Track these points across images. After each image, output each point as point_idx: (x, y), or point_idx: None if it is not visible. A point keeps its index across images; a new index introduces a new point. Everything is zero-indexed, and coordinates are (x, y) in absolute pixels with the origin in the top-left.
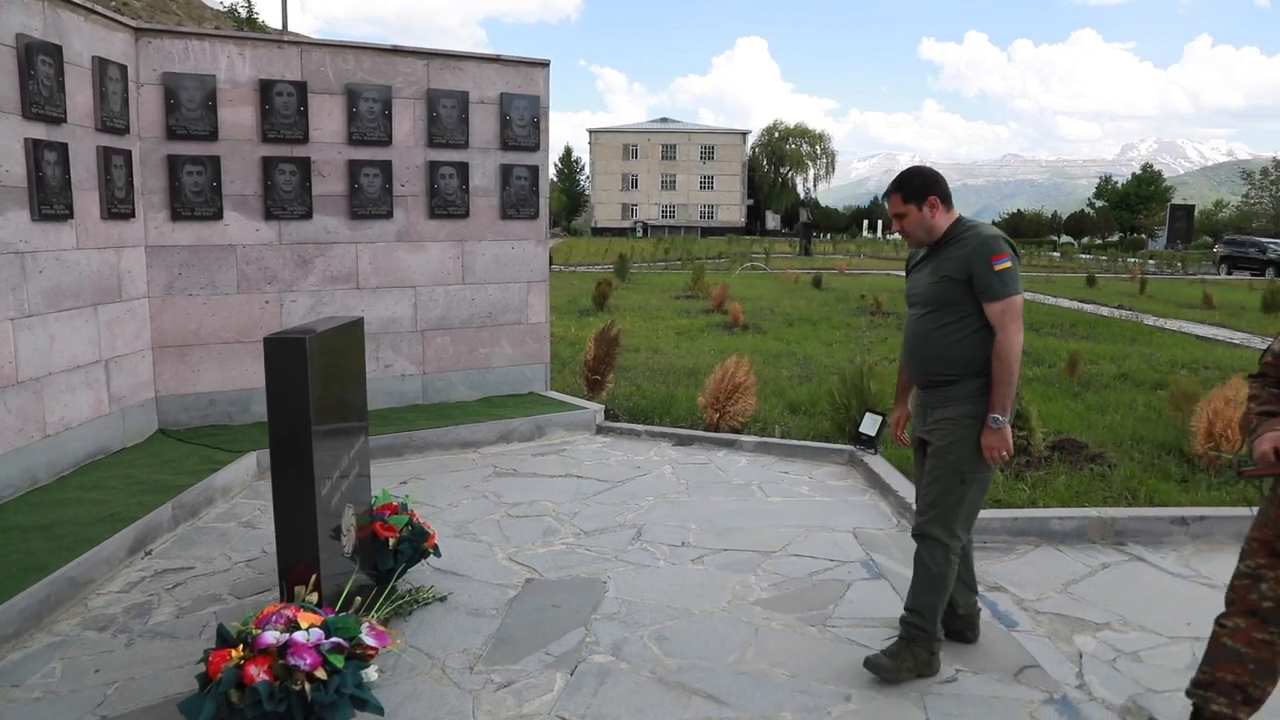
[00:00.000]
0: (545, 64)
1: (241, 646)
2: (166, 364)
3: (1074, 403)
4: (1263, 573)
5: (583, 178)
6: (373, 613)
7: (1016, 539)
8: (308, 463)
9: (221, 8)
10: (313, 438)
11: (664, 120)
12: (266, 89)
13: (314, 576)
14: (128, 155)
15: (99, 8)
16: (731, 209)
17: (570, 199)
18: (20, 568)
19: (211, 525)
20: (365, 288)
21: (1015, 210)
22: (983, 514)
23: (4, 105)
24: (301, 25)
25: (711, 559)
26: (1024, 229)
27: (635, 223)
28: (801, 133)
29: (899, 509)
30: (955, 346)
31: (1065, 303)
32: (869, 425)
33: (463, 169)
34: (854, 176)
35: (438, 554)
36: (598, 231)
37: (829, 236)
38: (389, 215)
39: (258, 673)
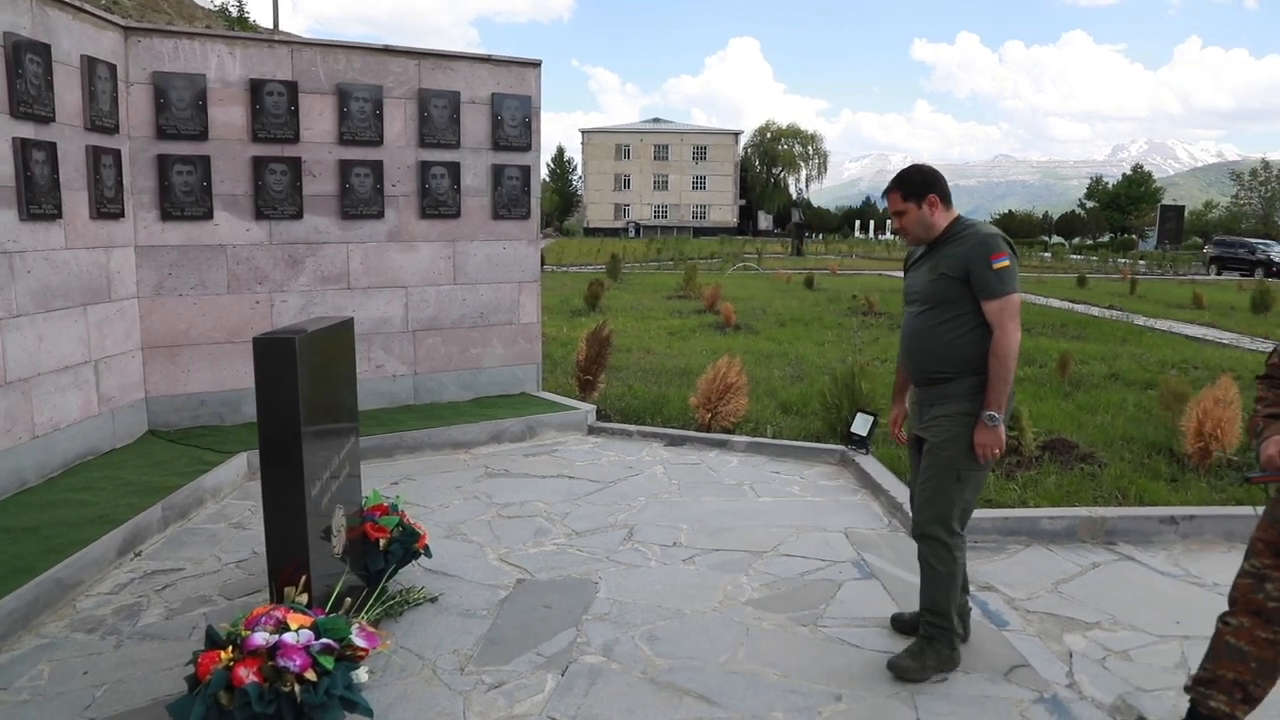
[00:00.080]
0: (537, 64)
1: (231, 648)
2: (156, 364)
3: (1065, 403)
4: (1267, 573)
5: (575, 178)
6: (363, 614)
7: (1007, 538)
8: (297, 463)
9: (213, 7)
10: (302, 438)
11: (656, 120)
12: (257, 88)
13: (304, 577)
14: (117, 155)
15: (88, 6)
16: (724, 209)
17: (562, 199)
18: (8, 569)
19: (201, 526)
20: (356, 288)
21: (1007, 211)
22: (974, 514)
23: None
24: (293, 25)
25: (703, 559)
26: (1015, 229)
27: (627, 223)
28: (794, 133)
29: (890, 509)
30: (953, 344)
31: (1056, 303)
32: (860, 425)
33: (454, 169)
34: (846, 177)
35: (428, 555)
36: (590, 232)
37: (821, 237)
38: (380, 215)
39: (247, 674)
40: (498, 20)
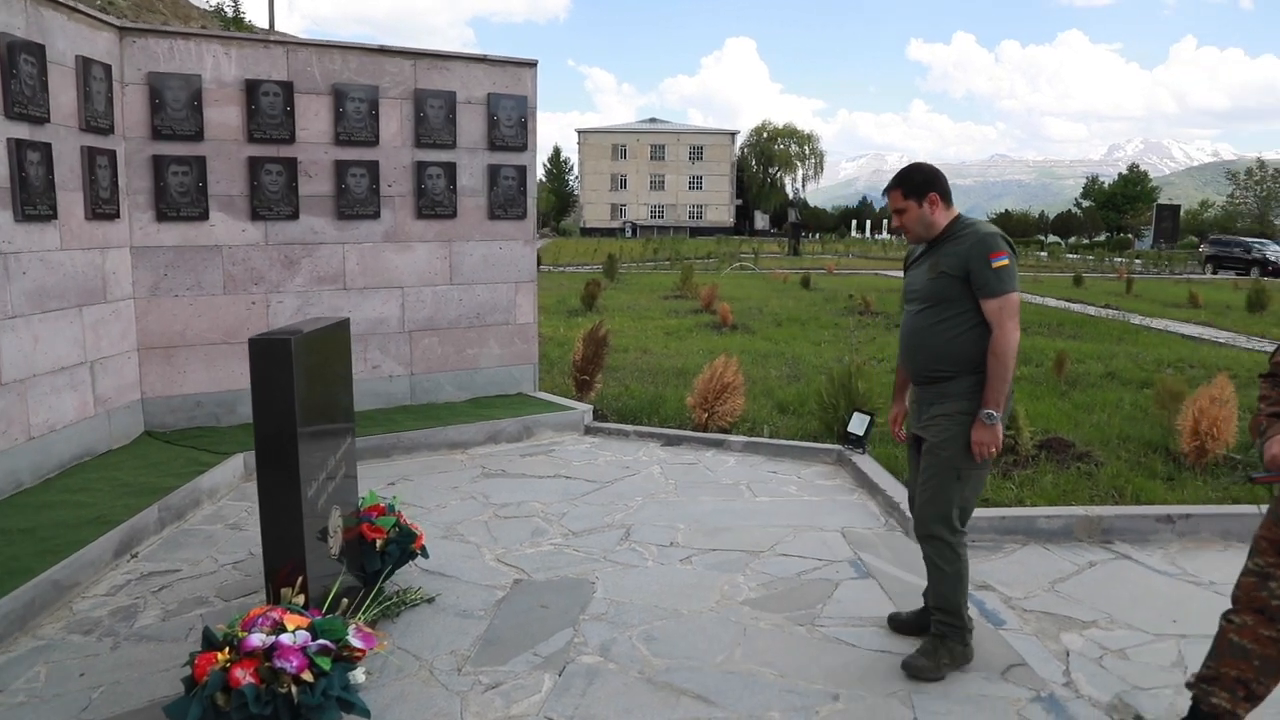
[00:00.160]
0: (533, 64)
1: (227, 649)
2: (152, 365)
3: (1061, 402)
4: (1271, 571)
5: (571, 178)
6: (360, 614)
7: (1004, 538)
8: (293, 464)
9: (208, 7)
10: (298, 439)
11: (653, 120)
12: (252, 89)
13: (300, 578)
14: (112, 155)
15: (82, 6)
16: (720, 209)
17: (559, 199)
18: (4, 571)
19: (198, 527)
20: (352, 288)
21: (1003, 210)
22: (971, 513)
23: None
24: (289, 25)
25: (700, 559)
26: (1012, 229)
27: (624, 223)
28: (790, 133)
29: (887, 508)
30: (952, 343)
31: (1052, 302)
32: (857, 425)
33: (450, 169)
34: (842, 177)
35: (425, 555)
36: (586, 232)
37: (817, 236)
38: (376, 215)
39: (244, 675)
40: (493, 20)
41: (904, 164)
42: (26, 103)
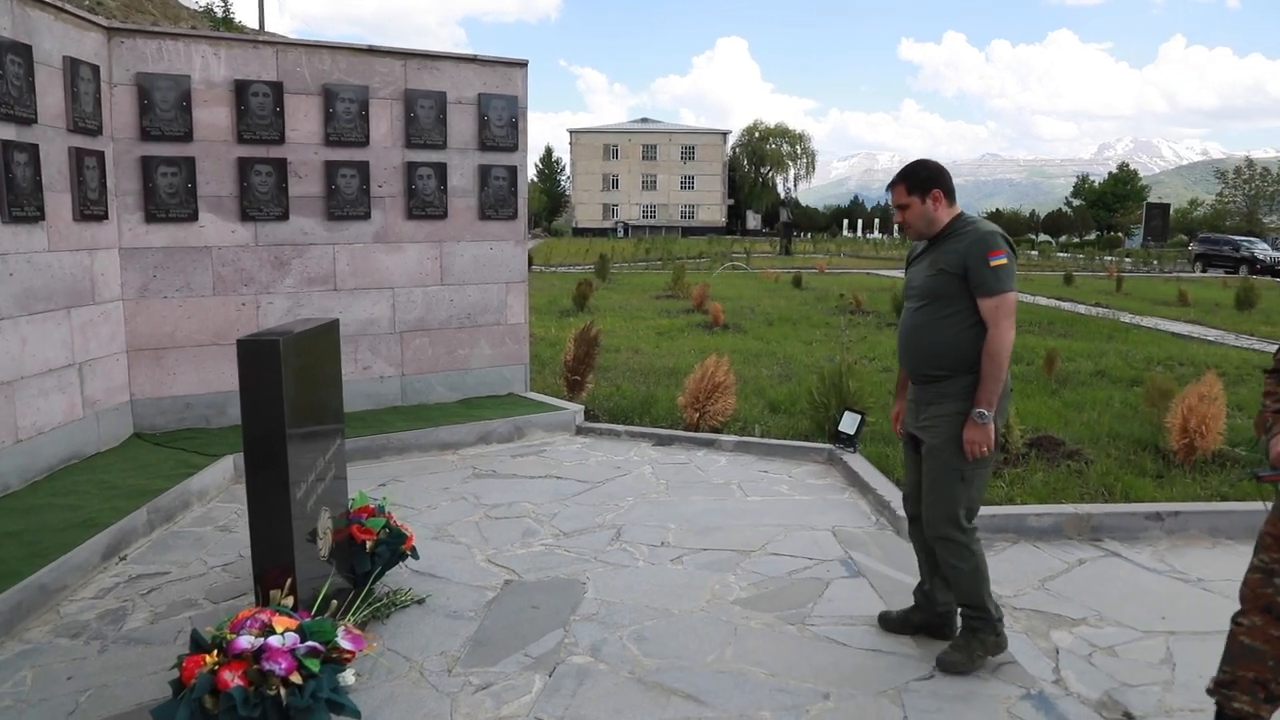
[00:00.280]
0: (523, 64)
1: (216, 652)
2: (142, 367)
3: (1051, 400)
4: (1275, 568)
5: (563, 178)
6: (349, 616)
7: (994, 536)
8: (282, 466)
9: (198, 7)
10: (287, 440)
11: (644, 120)
12: (242, 89)
13: (289, 580)
14: (100, 156)
15: (69, 7)
16: (712, 209)
17: (551, 199)
18: None
19: (187, 530)
20: (343, 289)
21: (995, 209)
22: None
23: None
24: (279, 25)
25: (691, 559)
26: (1003, 228)
27: (616, 223)
28: (782, 133)
29: (878, 507)
30: (948, 341)
31: (1043, 301)
32: (848, 424)
33: (440, 169)
34: (834, 176)
35: (416, 556)
36: (578, 232)
37: (809, 236)
38: (366, 216)
39: (232, 678)
40: (485, 20)
41: (896, 163)
42: (13, 103)
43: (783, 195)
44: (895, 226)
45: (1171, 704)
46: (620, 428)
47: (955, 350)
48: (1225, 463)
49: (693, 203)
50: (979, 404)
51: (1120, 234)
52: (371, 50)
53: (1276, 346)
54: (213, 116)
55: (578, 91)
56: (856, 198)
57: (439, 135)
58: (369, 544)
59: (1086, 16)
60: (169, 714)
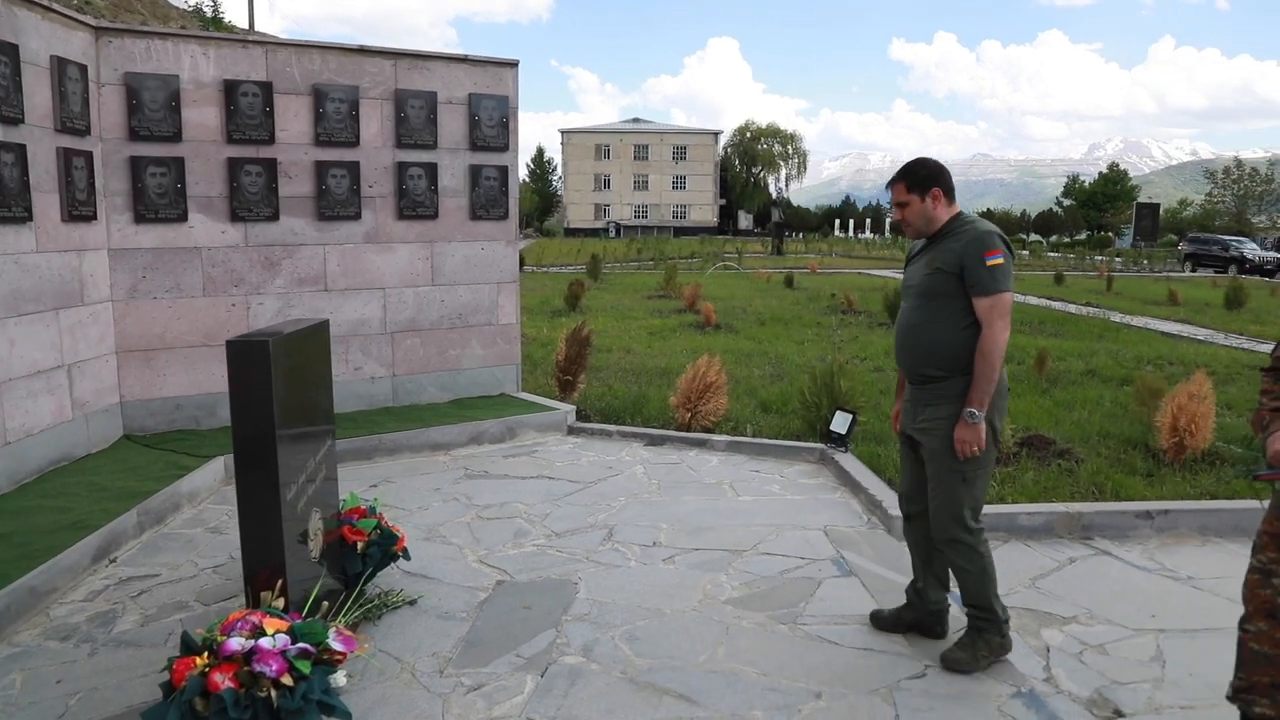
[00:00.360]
0: (514, 64)
1: (206, 654)
2: (131, 368)
3: (1042, 399)
4: (1273, 568)
5: (555, 178)
6: (340, 617)
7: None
8: (273, 467)
9: (187, 7)
10: (277, 442)
11: (636, 120)
12: (231, 89)
13: (280, 582)
14: (89, 156)
15: (57, 6)
16: (704, 209)
17: (543, 199)
18: None
19: (178, 531)
20: (334, 290)
21: (986, 209)
22: None
23: None
24: (269, 25)
25: (683, 558)
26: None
27: (608, 223)
28: (773, 133)
29: (869, 506)
30: (945, 341)
31: (1034, 300)
32: (839, 423)
33: (431, 170)
34: (825, 176)
35: (407, 557)
36: (570, 232)
37: (801, 236)
38: (357, 216)
39: (223, 680)
40: (476, 20)
41: (887, 163)
42: (0, 103)
43: (774, 195)
44: (887, 226)
45: (1161, 701)
46: (612, 428)
47: (951, 350)
48: (1215, 461)
49: (684, 203)
50: (970, 403)
51: (1110, 234)
52: (362, 50)
53: (1274, 345)
54: (202, 116)
55: (569, 91)
56: (848, 198)
57: (430, 135)
58: (360, 545)
59: (1076, 17)
60: (159, 716)
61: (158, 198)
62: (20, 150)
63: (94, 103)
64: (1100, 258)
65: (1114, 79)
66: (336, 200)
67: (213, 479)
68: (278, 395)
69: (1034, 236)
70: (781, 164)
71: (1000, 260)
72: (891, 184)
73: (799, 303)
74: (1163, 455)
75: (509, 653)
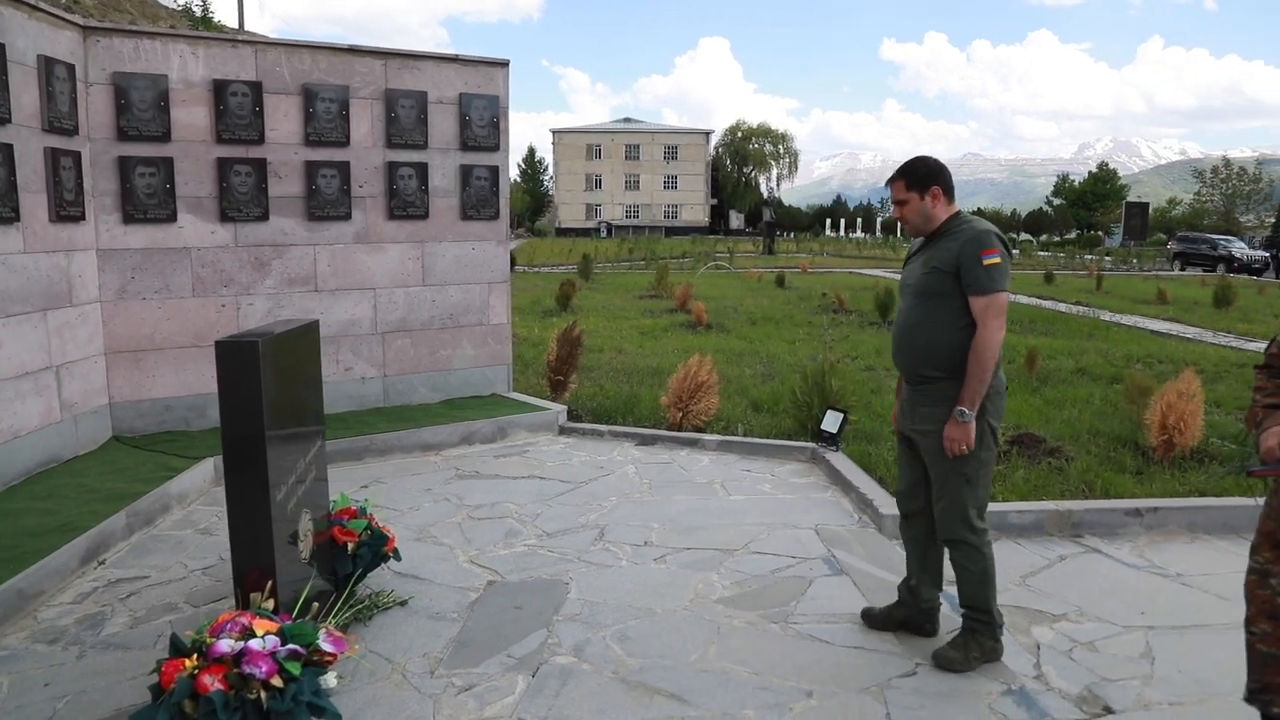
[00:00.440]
0: (504, 64)
1: (196, 656)
2: (120, 369)
3: (1032, 397)
4: (1270, 568)
5: (546, 178)
6: (331, 618)
7: None
8: (262, 468)
9: (176, 7)
10: (267, 442)
11: (627, 120)
12: (221, 89)
13: (270, 583)
14: (77, 156)
15: (44, 5)
16: (695, 208)
17: (534, 199)
18: None
19: (167, 533)
20: (324, 290)
21: (977, 209)
22: None
23: None
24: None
25: (674, 558)
26: None
27: (599, 223)
28: (764, 132)
29: (860, 505)
30: (942, 340)
31: (1024, 299)
32: (831, 422)
33: (422, 170)
34: (816, 176)
35: (398, 558)
36: (562, 232)
37: (792, 235)
38: (347, 217)
39: (212, 682)
40: (467, 20)
41: (878, 163)
42: None
43: (765, 195)
44: (878, 225)
45: (1150, 698)
46: (603, 428)
47: (948, 350)
48: (1203, 459)
49: (676, 202)
50: (961, 402)
51: (1100, 233)
52: (352, 50)
53: (1268, 342)
54: (191, 116)
55: (560, 91)
56: (839, 197)
57: (420, 135)
58: (350, 546)
59: (1066, 17)
60: (148, 719)
61: (146, 198)
62: (7, 150)
63: (82, 102)
64: (1090, 257)
65: (1103, 79)
66: (327, 200)
67: (202, 480)
68: (267, 396)
69: (1024, 236)
70: (773, 163)
71: (997, 260)
72: (891, 181)
73: (790, 302)
74: (1152, 453)
75: (500, 653)
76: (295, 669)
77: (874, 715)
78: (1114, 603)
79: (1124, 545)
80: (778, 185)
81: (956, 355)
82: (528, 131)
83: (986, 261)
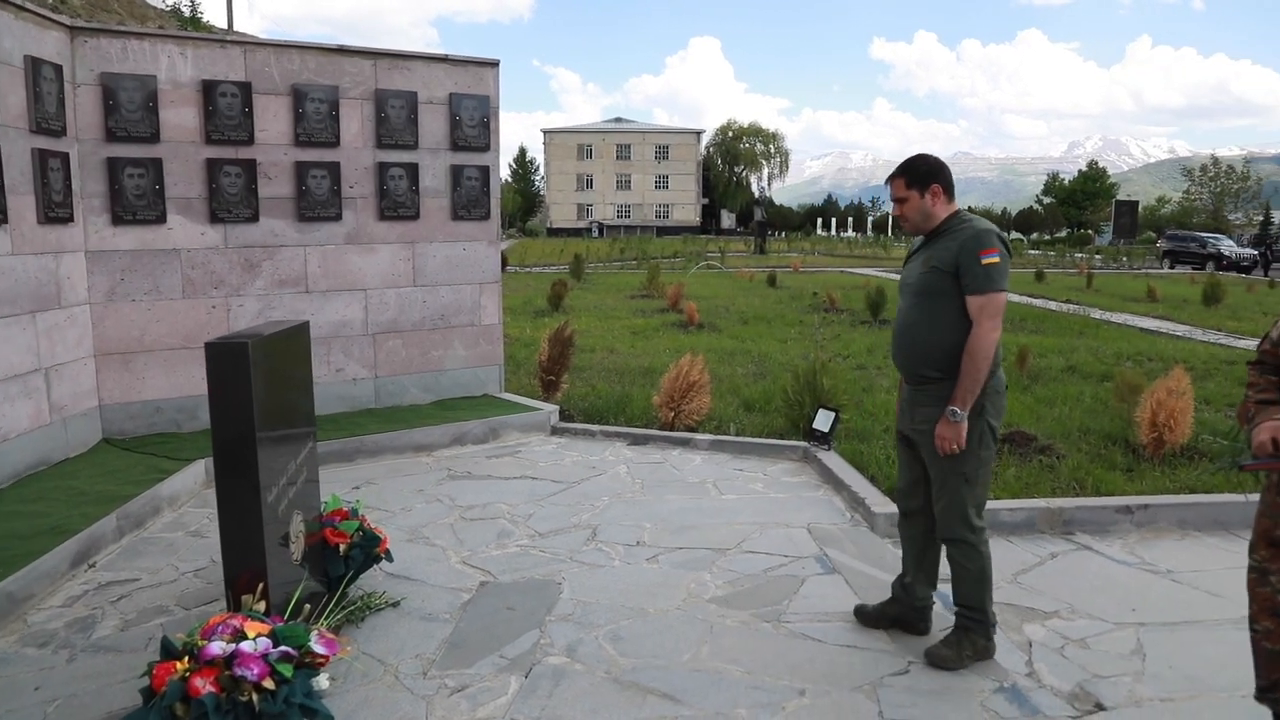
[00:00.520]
0: (495, 64)
1: (187, 658)
2: (110, 371)
3: (1024, 395)
4: (1267, 565)
5: (537, 178)
6: (323, 620)
7: None
8: (253, 470)
9: (165, 7)
10: (258, 444)
11: (618, 120)
12: (209, 89)
13: (261, 585)
14: (65, 158)
15: (30, 5)
16: (686, 208)
17: (525, 200)
18: None
19: (158, 535)
20: (315, 291)
21: (967, 208)
22: None
23: None
24: (248, 25)
25: (666, 558)
26: None
27: (591, 223)
28: (755, 132)
29: (852, 504)
30: (940, 340)
31: (1015, 297)
32: (822, 421)
33: (412, 170)
34: (807, 175)
35: (390, 559)
36: (553, 232)
37: (783, 235)
38: (338, 217)
39: (203, 684)
40: (457, 20)
41: (869, 162)
42: None
43: (757, 194)
44: (869, 224)
45: (1142, 694)
46: (595, 428)
47: (947, 350)
48: (1193, 456)
49: (667, 202)
50: (953, 401)
51: (1090, 231)
52: (341, 50)
53: (1260, 339)
54: (180, 117)
55: (551, 91)
56: (830, 196)
57: (410, 135)
58: (342, 547)
59: (1055, 16)
60: None
61: (136, 199)
62: None
63: (70, 103)
64: (1080, 255)
65: (1092, 77)
66: (317, 201)
67: (193, 482)
68: (258, 397)
69: (1015, 234)
70: (764, 163)
71: (996, 259)
72: (891, 179)
73: (782, 301)
74: (1142, 450)
75: (493, 654)
76: (287, 671)
77: (867, 713)
78: (1105, 600)
79: (1115, 542)
80: (769, 185)
81: (955, 355)
82: (519, 131)
83: (985, 261)
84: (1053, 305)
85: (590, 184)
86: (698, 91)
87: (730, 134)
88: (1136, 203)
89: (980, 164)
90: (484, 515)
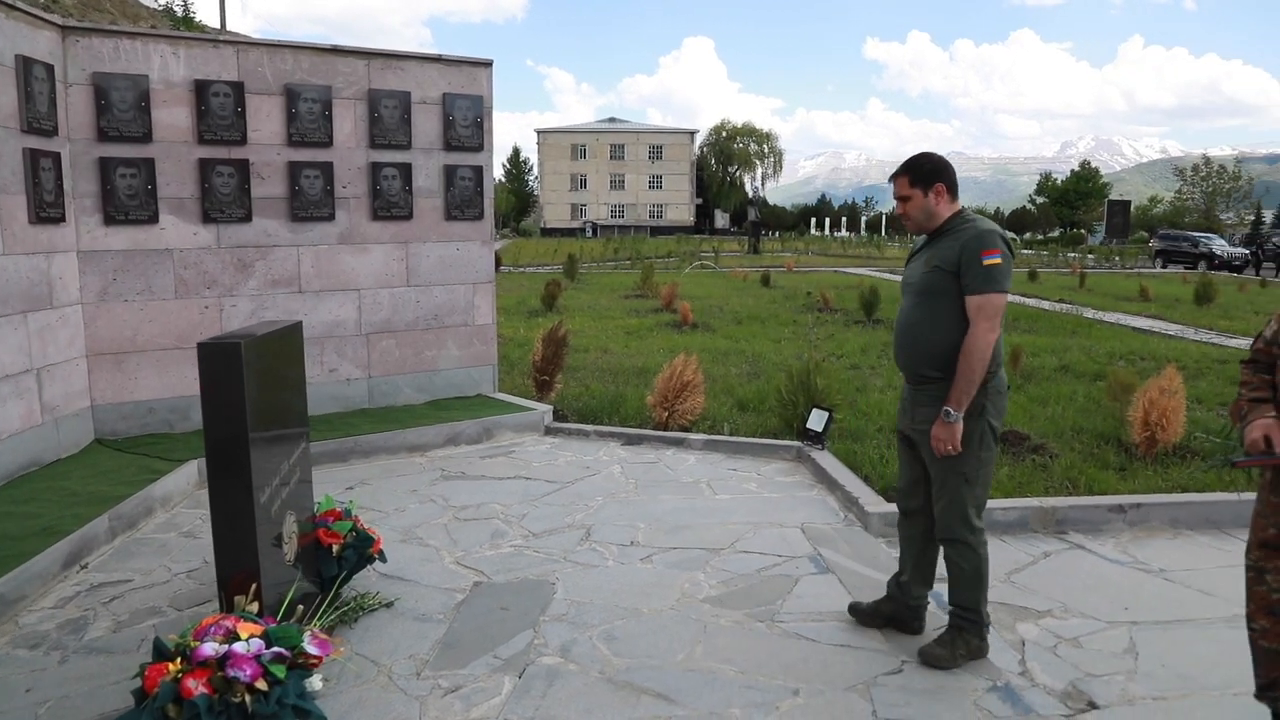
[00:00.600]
0: (488, 64)
1: (179, 659)
2: (102, 372)
3: (1017, 395)
4: (1263, 565)
5: (531, 178)
6: (316, 621)
7: None
8: (245, 470)
9: (157, 6)
10: (250, 445)
11: (612, 120)
12: (202, 89)
13: (254, 586)
14: (56, 157)
15: (21, 4)
16: (680, 208)
17: (519, 199)
18: None
19: (151, 536)
20: (308, 291)
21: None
22: None
23: None
24: (241, 25)
25: (660, 557)
26: None
27: (584, 223)
28: (749, 132)
29: (846, 503)
30: (941, 341)
31: (1009, 297)
32: (816, 421)
33: (405, 170)
34: (801, 175)
35: (383, 560)
36: (547, 232)
37: (777, 234)
38: (331, 217)
39: (196, 685)
40: (450, 20)
41: (863, 162)
42: None
43: (750, 194)
44: (863, 224)
45: (1134, 693)
46: (589, 427)
47: (946, 350)
48: (1186, 455)
49: (661, 202)
50: (948, 402)
51: (1083, 230)
52: (334, 50)
53: (1254, 337)
54: (172, 117)
55: (545, 91)
56: (824, 196)
57: (403, 135)
58: (336, 548)
59: (1047, 16)
60: None
61: (128, 199)
62: None
63: (61, 103)
64: (1073, 254)
65: (1085, 77)
66: (310, 201)
67: (186, 483)
68: (250, 398)
69: (1009, 234)
70: (757, 163)
71: (998, 260)
72: (894, 177)
73: (775, 301)
74: (1135, 449)
75: (486, 654)
76: (280, 672)
77: (860, 712)
78: (1098, 598)
79: (1108, 541)
80: (762, 184)
81: (956, 355)
82: (512, 132)
83: (987, 261)
84: (1046, 305)
85: (584, 184)
86: (691, 91)
87: (724, 134)
88: (1129, 202)
89: (973, 164)
90: (478, 515)
